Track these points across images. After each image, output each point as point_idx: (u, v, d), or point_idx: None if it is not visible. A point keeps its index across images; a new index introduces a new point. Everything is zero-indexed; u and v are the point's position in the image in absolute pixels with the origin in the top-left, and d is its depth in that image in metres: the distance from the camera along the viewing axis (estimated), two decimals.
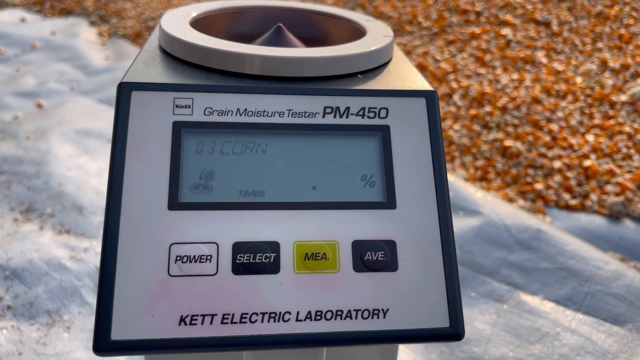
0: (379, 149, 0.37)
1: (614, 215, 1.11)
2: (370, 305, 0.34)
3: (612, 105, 1.53)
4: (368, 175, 0.37)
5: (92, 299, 0.83)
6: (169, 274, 0.33)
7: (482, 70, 1.77)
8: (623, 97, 1.55)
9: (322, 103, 0.37)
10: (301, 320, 0.33)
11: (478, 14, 2.11)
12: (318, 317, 0.33)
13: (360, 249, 0.35)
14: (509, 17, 2.04)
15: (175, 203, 0.34)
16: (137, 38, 2.30)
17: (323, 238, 0.35)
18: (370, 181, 0.37)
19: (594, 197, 1.18)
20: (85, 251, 0.93)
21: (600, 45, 1.83)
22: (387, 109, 0.38)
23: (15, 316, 0.79)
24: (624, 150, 1.33)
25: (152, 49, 0.44)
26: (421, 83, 0.41)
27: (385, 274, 0.35)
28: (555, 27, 1.95)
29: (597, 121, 1.46)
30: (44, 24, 2.40)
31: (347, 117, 0.38)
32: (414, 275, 0.35)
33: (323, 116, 0.37)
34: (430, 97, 0.39)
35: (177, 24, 0.44)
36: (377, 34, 0.46)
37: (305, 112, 0.37)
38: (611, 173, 1.25)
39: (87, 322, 0.79)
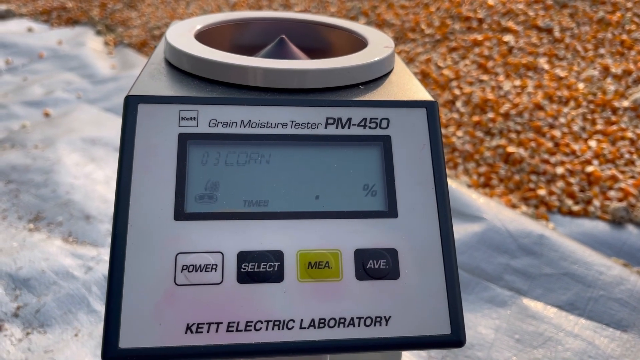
0: (381, 159, 0.38)
1: (617, 221, 1.12)
2: (373, 312, 0.34)
3: (615, 111, 1.53)
4: (370, 185, 0.37)
5: (100, 307, 0.84)
6: (176, 283, 0.33)
7: (485, 77, 1.78)
8: (625, 103, 1.55)
9: (325, 114, 0.38)
10: (305, 328, 0.34)
11: (480, 21, 2.12)
12: (321, 325, 0.34)
13: (362, 257, 0.35)
14: (511, 24, 2.05)
15: (181, 213, 0.34)
16: (143, 47, 2.32)
17: (326, 247, 0.35)
18: (372, 190, 0.37)
19: (596, 202, 1.18)
20: (93, 260, 0.94)
21: (602, 51, 1.83)
22: (388, 120, 0.39)
23: (24, 324, 0.80)
24: (627, 155, 1.33)
25: (158, 62, 0.45)
26: (422, 93, 0.41)
27: (387, 282, 0.35)
28: (557, 34, 1.95)
29: (599, 127, 1.47)
30: (51, 34, 2.43)
31: (349, 127, 0.38)
32: (415, 283, 0.35)
33: (325, 127, 0.38)
34: (430, 108, 0.39)
35: (182, 37, 0.45)
36: (379, 45, 0.47)
37: (307, 123, 0.38)
38: (614, 179, 1.25)
39: (95, 330, 0.80)
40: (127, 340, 0.32)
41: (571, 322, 0.84)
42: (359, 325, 0.34)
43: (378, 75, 0.44)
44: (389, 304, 0.35)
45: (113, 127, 1.52)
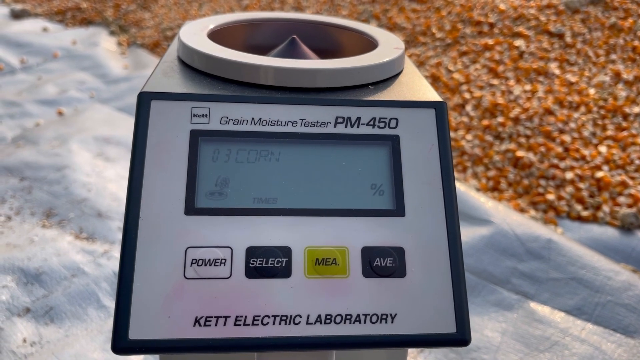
0: (389, 158, 0.38)
1: (626, 227, 1.11)
2: (379, 310, 0.35)
3: (625, 117, 1.52)
4: (378, 184, 0.37)
5: (109, 303, 0.85)
6: (185, 277, 0.34)
7: (495, 81, 1.78)
8: (636, 109, 1.54)
9: (334, 113, 0.38)
10: (311, 324, 0.34)
11: (491, 25, 2.12)
12: (328, 321, 0.34)
13: (369, 255, 0.35)
14: (522, 29, 2.04)
15: (191, 208, 0.35)
16: (155, 47, 2.33)
17: (333, 244, 0.35)
18: (379, 189, 0.37)
19: (606, 208, 1.18)
20: (103, 256, 0.95)
21: (613, 57, 1.82)
22: (397, 119, 0.39)
23: (35, 318, 0.81)
24: (637, 162, 1.33)
25: (171, 60, 0.45)
26: (431, 94, 0.41)
27: (394, 279, 0.35)
28: (568, 39, 1.95)
29: (610, 133, 1.46)
30: (65, 34, 2.45)
31: (358, 126, 0.38)
32: (421, 281, 0.36)
33: (335, 126, 0.38)
34: (439, 108, 0.40)
35: (195, 36, 0.46)
36: (389, 46, 0.47)
37: (317, 122, 0.38)
38: (624, 184, 1.24)
39: (104, 325, 0.81)
40: (137, 331, 0.33)
41: (578, 327, 0.83)
42: (364, 322, 0.34)
43: (388, 76, 0.44)
44: (395, 301, 0.35)
45: (125, 126, 1.54)
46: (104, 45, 2.31)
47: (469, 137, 1.52)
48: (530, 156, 1.38)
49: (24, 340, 0.77)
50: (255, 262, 0.34)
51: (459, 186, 1.16)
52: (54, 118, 1.60)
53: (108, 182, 1.21)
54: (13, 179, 1.20)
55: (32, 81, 1.90)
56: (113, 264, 0.93)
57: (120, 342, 0.33)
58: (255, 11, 2.69)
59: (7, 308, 0.82)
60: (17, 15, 2.77)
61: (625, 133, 1.45)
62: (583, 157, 1.37)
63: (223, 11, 2.73)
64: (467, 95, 1.72)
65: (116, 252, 0.95)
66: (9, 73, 1.98)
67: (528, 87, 1.72)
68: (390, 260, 0.36)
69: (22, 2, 3.01)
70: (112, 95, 1.79)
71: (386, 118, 0.39)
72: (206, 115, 0.37)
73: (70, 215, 1.07)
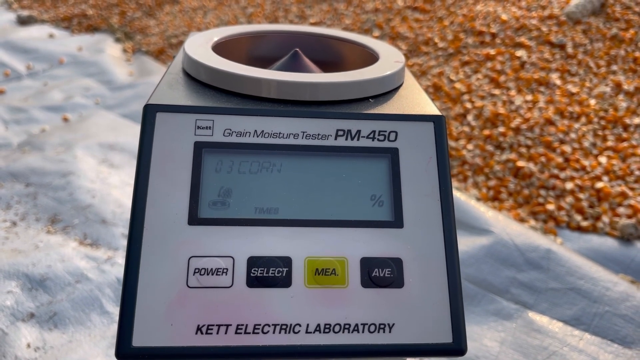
0: (388, 171, 0.39)
1: (626, 238, 1.11)
2: (377, 319, 0.35)
3: (626, 127, 1.53)
4: (377, 195, 0.38)
5: (112, 309, 0.86)
6: (188, 286, 0.34)
7: (497, 91, 1.78)
8: (637, 120, 1.55)
9: (335, 126, 0.39)
10: (310, 333, 0.35)
11: (493, 35, 2.13)
12: (327, 330, 0.35)
13: (368, 265, 0.36)
14: (524, 39, 2.05)
15: (194, 218, 0.36)
16: (160, 54, 2.35)
17: (333, 254, 0.36)
18: (379, 201, 0.38)
19: (605, 219, 1.18)
20: (107, 262, 0.95)
21: (614, 68, 1.83)
22: (396, 133, 0.40)
23: (39, 324, 0.82)
24: (637, 172, 1.33)
25: (176, 72, 0.46)
26: (430, 108, 0.42)
27: (392, 290, 0.36)
28: (570, 50, 1.96)
29: (610, 143, 1.46)
30: (71, 40, 2.47)
31: (358, 139, 0.39)
32: (419, 292, 0.36)
33: (335, 138, 0.39)
34: (437, 122, 0.40)
35: (200, 48, 0.46)
36: (389, 60, 0.48)
37: (318, 135, 0.39)
38: (623, 195, 1.25)
39: (107, 331, 0.82)
40: (140, 339, 0.33)
41: (576, 337, 0.84)
42: (363, 332, 0.35)
43: (388, 89, 0.44)
44: (392, 311, 0.35)
45: (130, 133, 1.54)
46: (110, 52, 2.33)
47: (470, 146, 1.52)
48: (531, 166, 1.39)
49: (28, 345, 0.78)
50: (256, 272, 0.35)
51: (460, 196, 1.17)
52: (60, 124, 1.62)
53: (112, 188, 1.22)
54: (18, 185, 1.21)
55: (38, 87, 1.92)
56: (117, 270, 0.93)
57: (124, 349, 0.33)
58: (259, 23, 2.70)
59: (11, 313, 0.83)
60: (23, 22, 2.80)
61: (625, 144, 1.45)
62: (583, 168, 1.37)
63: (227, 19, 2.74)
64: (468, 105, 1.72)
65: (120, 259, 0.96)
66: (15, 79, 1.99)
67: (529, 97, 1.73)
68: (388, 270, 0.36)
69: (28, 8, 3.04)
70: (117, 101, 1.80)
71: (386, 131, 0.39)
72: (210, 127, 0.38)
73: (75, 222, 1.08)
